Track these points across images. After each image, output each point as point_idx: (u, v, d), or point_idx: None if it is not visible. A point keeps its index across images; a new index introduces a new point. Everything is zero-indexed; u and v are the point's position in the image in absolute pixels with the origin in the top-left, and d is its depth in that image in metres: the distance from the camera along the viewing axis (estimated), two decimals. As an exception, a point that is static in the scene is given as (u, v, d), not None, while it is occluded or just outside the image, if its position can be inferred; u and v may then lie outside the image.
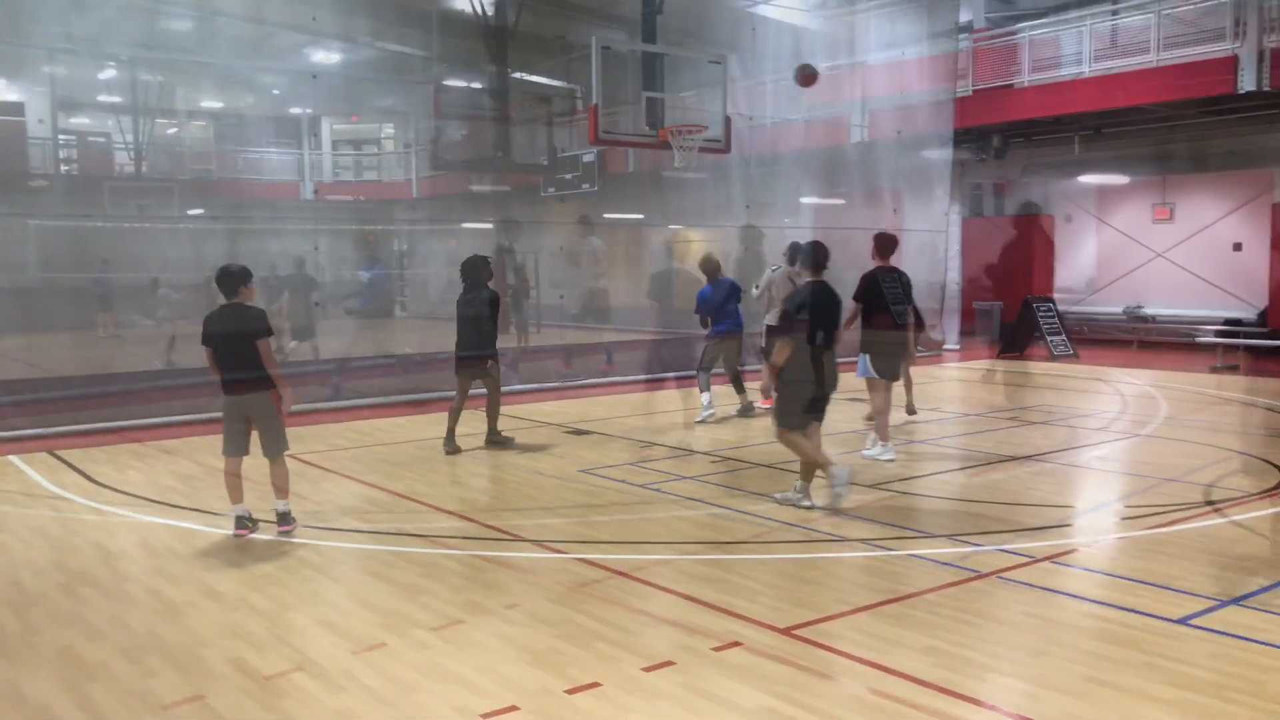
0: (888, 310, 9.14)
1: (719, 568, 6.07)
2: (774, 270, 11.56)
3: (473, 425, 10.28)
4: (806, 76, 12.21)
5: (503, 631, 5.02)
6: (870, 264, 9.37)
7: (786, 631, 4.96)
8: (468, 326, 9.95)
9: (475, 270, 10.01)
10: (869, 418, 9.89)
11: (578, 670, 4.52)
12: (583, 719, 4.06)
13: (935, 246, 20.04)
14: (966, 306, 21.60)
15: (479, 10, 17.53)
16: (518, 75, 19.85)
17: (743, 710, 4.11)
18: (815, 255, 7.57)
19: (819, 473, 7.45)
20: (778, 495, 7.66)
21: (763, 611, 5.24)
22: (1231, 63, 15.68)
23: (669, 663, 4.59)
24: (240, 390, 6.78)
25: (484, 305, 9.89)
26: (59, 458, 9.68)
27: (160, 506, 7.73)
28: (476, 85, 19.37)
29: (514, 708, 4.16)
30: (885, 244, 9.48)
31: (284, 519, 6.86)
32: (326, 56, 20.76)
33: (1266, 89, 15.51)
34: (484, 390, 10.21)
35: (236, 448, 6.89)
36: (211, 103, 24.25)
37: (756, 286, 11.79)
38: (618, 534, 6.83)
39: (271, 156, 26.61)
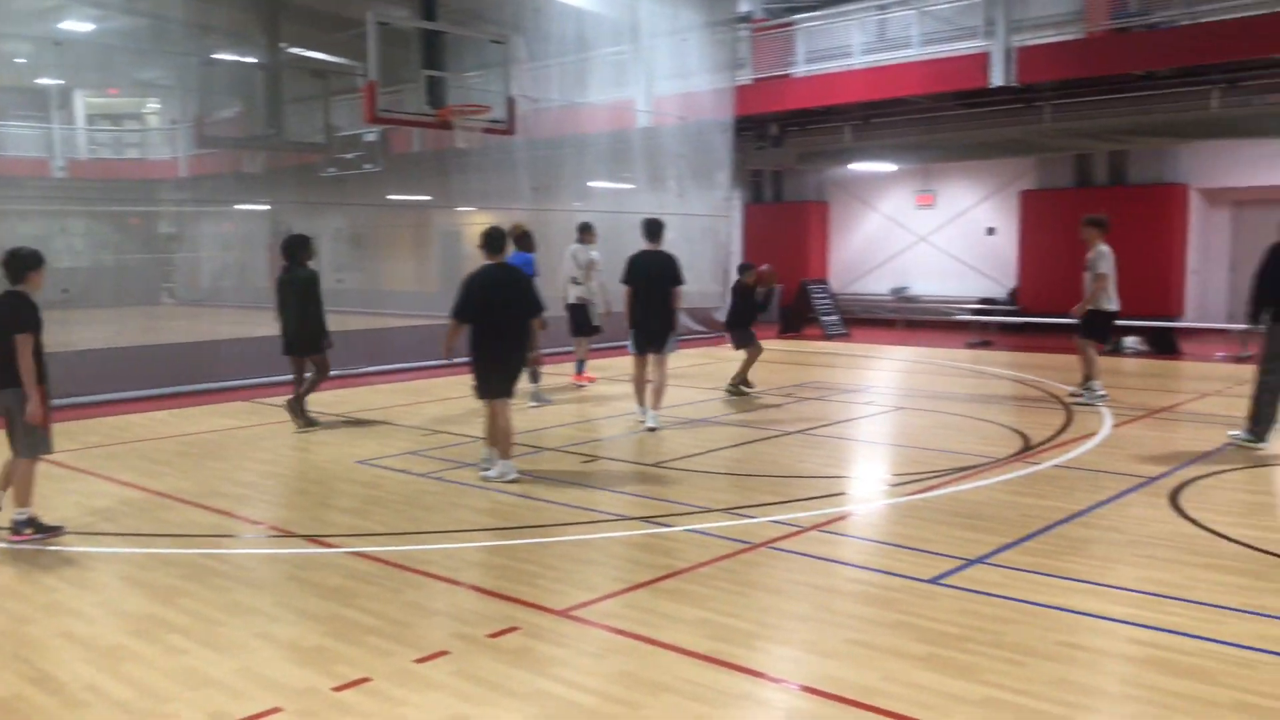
0: (645, 291, 9.73)
1: (499, 554, 6.01)
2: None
3: (266, 415, 9.76)
4: (761, 275, 12.35)
5: (267, 631, 4.78)
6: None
7: (564, 613, 4.96)
8: (290, 307, 9.86)
9: (295, 250, 9.99)
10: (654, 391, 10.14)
11: (346, 666, 4.36)
12: (350, 715, 3.92)
13: (718, 231, 20.59)
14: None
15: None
16: (293, 50, 18.98)
17: (516, 694, 4.08)
18: (486, 238, 8.00)
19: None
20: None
21: (541, 594, 5.22)
22: (983, 59, 16.83)
23: (443, 652, 4.50)
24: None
25: (306, 285, 9.87)
26: None
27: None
28: (249, 60, 18.38)
29: (276, 709, 3.97)
30: (649, 229, 10.02)
31: (17, 527, 6.28)
32: (77, 23, 19.15)
33: (1014, 84, 16.74)
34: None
35: None
36: (-60, 69, 21.96)
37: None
38: (395, 525, 6.65)
39: (15, 130, 24.35)
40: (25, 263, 6.24)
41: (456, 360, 8.09)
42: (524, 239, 11.06)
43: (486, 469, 7.92)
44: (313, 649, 4.57)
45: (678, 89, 19.60)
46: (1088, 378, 11.18)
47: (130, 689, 4.19)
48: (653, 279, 9.77)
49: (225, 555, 6.06)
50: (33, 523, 6.32)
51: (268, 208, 20.21)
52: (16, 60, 22.09)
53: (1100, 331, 11.26)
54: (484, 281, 7.79)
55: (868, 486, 7.89)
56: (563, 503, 7.10)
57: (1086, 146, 18.15)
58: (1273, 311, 8.37)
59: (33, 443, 6.28)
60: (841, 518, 6.73)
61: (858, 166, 21.30)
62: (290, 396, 10.17)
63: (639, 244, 10.04)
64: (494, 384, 7.84)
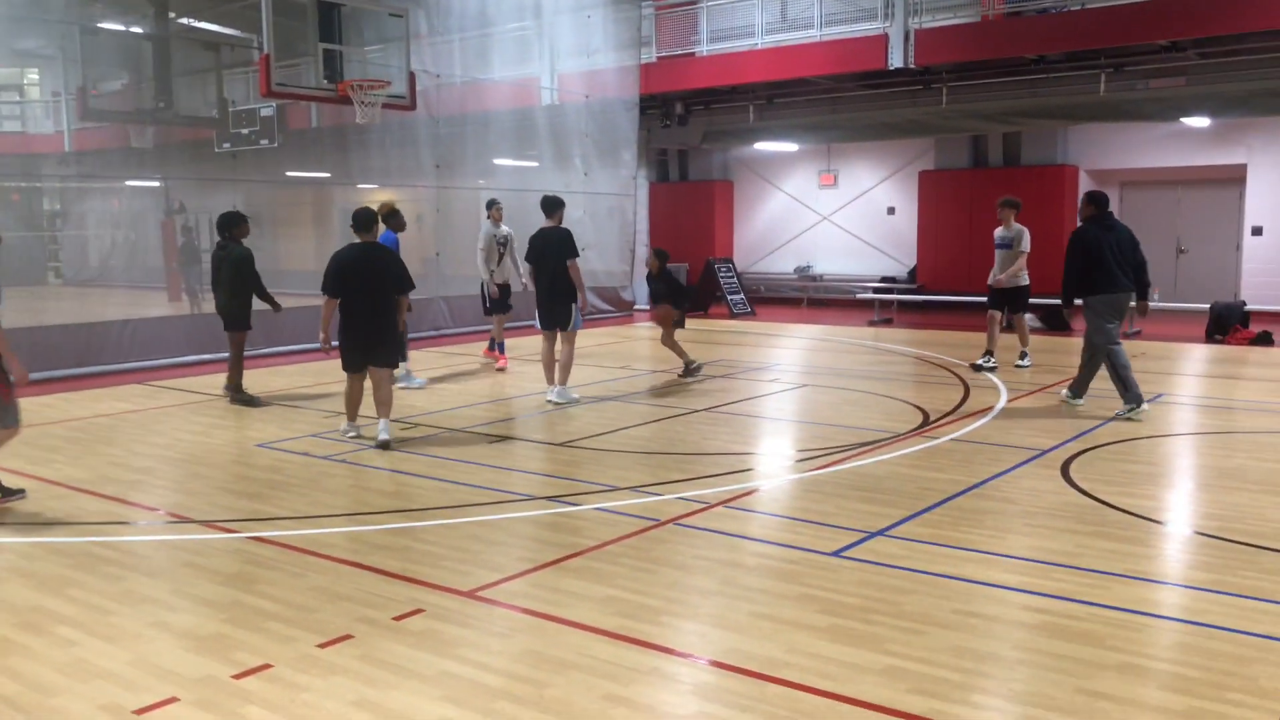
0: (539, 267, 9.96)
1: (404, 536, 5.94)
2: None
3: (162, 398, 9.44)
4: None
5: (163, 620, 4.64)
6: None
7: (470, 594, 4.93)
8: (222, 283, 10.10)
9: (229, 226, 10.10)
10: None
11: (246, 653, 4.26)
12: (251, 703, 3.83)
13: (624, 210, 20.57)
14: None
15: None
16: (183, 21, 18.28)
17: (422, 676, 4.04)
18: (354, 218, 8.35)
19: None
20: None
21: (446, 576, 5.17)
22: (883, 41, 17.11)
23: (347, 636, 4.43)
24: None
25: (238, 262, 10.04)
26: None
27: None
28: (135, 29, 17.63)
29: (173, 699, 3.86)
30: (545, 205, 10.13)
31: None
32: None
33: (912, 66, 17.06)
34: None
35: None
36: None
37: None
38: (297, 509, 6.51)
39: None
40: None
41: (332, 348, 8.25)
42: (391, 217, 10.94)
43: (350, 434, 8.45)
44: (211, 637, 4.45)
45: (582, 67, 19.48)
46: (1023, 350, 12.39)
47: (15, 683, 4.03)
48: (545, 255, 9.88)
49: (118, 543, 5.86)
50: None
51: (158, 184, 19.48)
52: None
53: (1026, 303, 12.44)
54: (347, 257, 8.19)
55: (773, 462, 8.00)
56: (469, 483, 7.04)
57: (981, 128, 18.61)
58: (1086, 290, 8.96)
59: None
60: (747, 494, 6.81)
61: (762, 146, 21.49)
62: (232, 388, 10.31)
63: (543, 222, 10.05)
64: (353, 356, 8.28)
